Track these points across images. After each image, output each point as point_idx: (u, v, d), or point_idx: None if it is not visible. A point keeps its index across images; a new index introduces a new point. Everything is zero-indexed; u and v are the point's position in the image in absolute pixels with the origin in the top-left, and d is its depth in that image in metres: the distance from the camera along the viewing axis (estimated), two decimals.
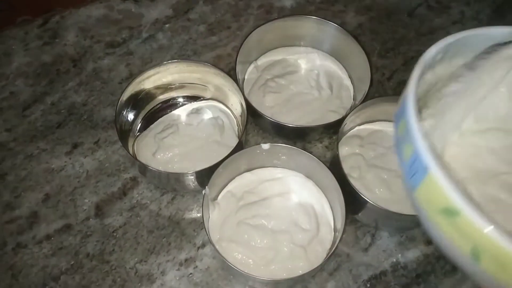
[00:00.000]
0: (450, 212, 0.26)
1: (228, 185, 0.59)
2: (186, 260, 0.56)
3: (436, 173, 0.27)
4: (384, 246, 0.58)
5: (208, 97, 0.65)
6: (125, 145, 0.58)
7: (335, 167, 0.55)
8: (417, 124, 0.29)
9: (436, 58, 0.35)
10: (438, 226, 0.28)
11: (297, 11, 0.77)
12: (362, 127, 0.63)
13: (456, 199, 0.26)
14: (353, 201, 0.53)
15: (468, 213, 0.25)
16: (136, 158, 0.58)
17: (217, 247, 0.52)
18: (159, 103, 0.65)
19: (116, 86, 0.69)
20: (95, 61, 0.71)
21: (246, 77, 0.68)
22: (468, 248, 0.27)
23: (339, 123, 0.58)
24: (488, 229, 0.25)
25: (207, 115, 0.64)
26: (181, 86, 0.65)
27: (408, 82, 0.33)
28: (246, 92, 0.65)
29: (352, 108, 0.61)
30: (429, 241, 0.59)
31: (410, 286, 0.56)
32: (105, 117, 0.66)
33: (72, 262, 0.56)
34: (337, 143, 0.57)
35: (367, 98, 0.60)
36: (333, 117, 0.62)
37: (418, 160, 0.28)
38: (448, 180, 0.26)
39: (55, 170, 0.62)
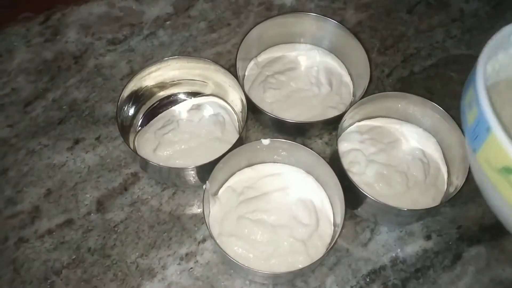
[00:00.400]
0: (509, 170, 0.28)
1: (229, 180, 0.60)
2: (186, 254, 0.57)
3: (497, 133, 0.29)
4: (383, 241, 0.59)
5: (208, 93, 0.66)
6: (126, 140, 0.58)
7: (334, 162, 0.56)
8: (484, 90, 0.32)
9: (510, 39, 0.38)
10: (496, 186, 0.31)
11: (297, 8, 0.78)
12: (361, 123, 0.64)
13: None
14: (352, 196, 0.54)
15: None
16: (137, 153, 0.58)
17: (217, 241, 0.52)
18: (160, 99, 0.66)
19: (117, 82, 0.69)
20: (96, 58, 0.72)
21: (246, 73, 0.69)
22: None
23: (338, 119, 0.59)
24: None
25: (208, 111, 0.64)
26: (182, 83, 0.65)
27: (480, 53, 0.36)
28: (246, 88, 0.66)
29: (351, 104, 0.61)
30: (428, 236, 0.59)
31: (409, 280, 0.56)
32: (106, 113, 0.67)
33: (74, 257, 0.56)
34: (337, 139, 0.58)
35: (366, 94, 0.60)
36: (332, 113, 0.62)
37: (482, 122, 0.31)
38: (509, 140, 0.29)
39: (56, 165, 0.62)
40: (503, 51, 0.39)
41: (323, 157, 0.55)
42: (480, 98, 0.33)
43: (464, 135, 0.36)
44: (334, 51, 0.70)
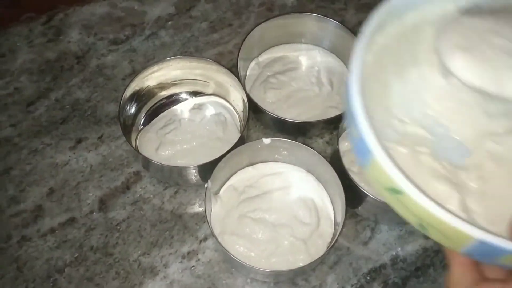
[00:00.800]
0: (395, 190, 0.28)
1: (230, 179, 0.60)
2: (188, 253, 0.57)
3: (379, 158, 0.28)
4: (384, 239, 0.59)
5: (210, 93, 0.66)
6: (128, 140, 0.58)
7: (335, 161, 0.56)
8: (362, 109, 0.29)
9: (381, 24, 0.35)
10: (388, 201, 0.30)
11: (298, 9, 0.78)
12: None
13: (398, 181, 0.27)
14: (353, 195, 0.54)
15: (410, 193, 0.27)
16: (139, 153, 0.59)
17: (219, 240, 0.53)
18: (161, 99, 0.66)
19: (119, 82, 0.70)
20: (98, 58, 0.72)
21: (247, 73, 0.69)
22: (415, 221, 0.29)
23: (339, 118, 0.59)
24: (429, 206, 0.26)
25: (210, 111, 0.64)
26: (183, 82, 0.66)
27: (350, 60, 0.32)
28: (247, 88, 0.66)
29: None
30: None
31: (409, 279, 0.57)
32: (109, 113, 0.67)
33: (76, 255, 0.57)
34: (338, 138, 0.58)
35: None
36: (333, 113, 0.62)
37: (363, 141, 0.28)
38: (390, 163, 0.27)
39: (59, 164, 0.63)
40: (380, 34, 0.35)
41: (324, 157, 0.56)
42: (356, 116, 0.29)
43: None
44: (335, 51, 0.70)
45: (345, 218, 0.52)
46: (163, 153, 0.60)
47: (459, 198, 0.32)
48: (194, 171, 0.57)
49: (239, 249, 0.54)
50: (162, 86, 0.65)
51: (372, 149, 0.28)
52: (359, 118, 0.29)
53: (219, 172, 0.55)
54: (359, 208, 0.58)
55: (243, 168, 0.60)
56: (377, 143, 0.28)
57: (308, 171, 0.60)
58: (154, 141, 0.61)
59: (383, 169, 0.28)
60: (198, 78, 0.65)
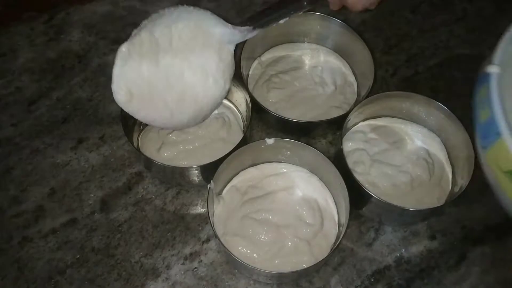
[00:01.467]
0: None
1: (233, 179, 0.59)
2: (191, 254, 0.57)
3: (507, 140, 0.31)
4: (388, 241, 0.59)
5: None
6: (130, 140, 0.58)
7: (339, 162, 0.56)
8: (497, 95, 0.33)
9: None
10: (502, 185, 0.32)
11: None
12: (365, 122, 0.64)
13: None
14: (357, 196, 0.54)
15: None
16: (141, 153, 0.58)
17: (222, 241, 0.52)
18: None
19: None
20: (100, 57, 0.71)
21: (250, 72, 0.69)
22: None
23: (343, 118, 0.59)
24: None
25: None
26: None
27: (494, 50, 0.37)
28: (250, 87, 0.66)
29: (356, 104, 0.61)
30: (432, 236, 0.59)
31: (414, 281, 0.56)
32: (110, 113, 0.67)
33: (78, 256, 0.56)
34: (341, 139, 0.58)
35: (370, 94, 0.60)
36: (337, 113, 0.62)
37: (492, 125, 0.32)
38: None
39: (60, 164, 0.62)
40: None
41: (327, 157, 0.55)
42: (492, 102, 0.33)
43: (474, 131, 0.37)
44: (338, 50, 0.70)
45: (349, 219, 0.52)
46: (165, 154, 0.60)
47: None
48: (197, 171, 0.56)
49: (242, 250, 0.54)
50: None
51: (502, 131, 0.31)
52: (494, 102, 0.33)
53: (222, 172, 0.55)
54: (363, 209, 0.58)
55: (246, 168, 0.60)
56: (508, 127, 0.31)
57: (312, 171, 0.60)
58: (156, 141, 0.61)
59: (510, 152, 0.30)
60: None
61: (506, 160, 0.31)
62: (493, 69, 0.35)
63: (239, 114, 0.64)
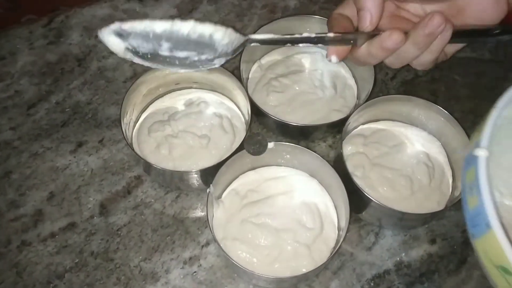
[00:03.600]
0: (506, 271, 0.27)
1: (232, 183, 0.59)
2: (190, 258, 0.57)
3: (497, 233, 0.28)
4: (388, 245, 0.58)
5: (212, 95, 0.66)
6: (129, 143, 0.58)
7: (339, 166, 0.55)
8: (487, 181, 0.30)
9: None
10: (493, 276, 0.29)
11: (301, 11, 0.78)
12: (365, 126, 0.63)
13: None
14: (357, 200, 0.53)
15: None
16: (140, 157, 0.58)
17: (221, 245, 0.52)
18: (163, 102, 0.65)
19: (121, 85, 0.69)
20: (99, 60, 0.71)
21: (250, 76, 0.68)
22: None
23: (343, 122, 0.59)
24: None
25: (212, 114, 0.64)
26: (186, 85, 0.65)
27: (480, 134, 0.33)
28: (249, 91, 0.66)
29: (356, 107, 0.61)
30: (433, 240, 0.59)
31: (414, 285, 0.56)
32: (110, 116, 0.66)
33: (77, 260, 0.56)
34: (341, 142, 0.57)
35: (370, 97, 0.60)
36: (337, 116, 0.62)
37: (482, 215, 0.29)
38: (508, 243, 0.27)
39: (59, 168, 0.62)
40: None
41: (327, 160, 0.55)
42: (481, 190, 0.30)
43: (463, 213, 0.34)
44: None
45: (349, 223, 0.52)
46: (163, 156, 0.59)
47: None
48: (196, 175, 0.56)
49: (241, 254, 0.54)
50: (164, 89, 0.64)
51: (492, 223, 0.28)
52: (484, 192, 0.29)
53: (221, 176, 0.55)
54: (363, 213, 0.58)
55: (245, 172, 0.60)
56: (498, 218, 0.28)
57: (311, 175, 0.59)
58: (154, 144, 0.60)
59: (500, 246, 0.27)
60: (200, 80, 0.65)
61: (496, 255, 0.28)
62: (481, 152, 0.32)
63: (238, 118, 0.64)
